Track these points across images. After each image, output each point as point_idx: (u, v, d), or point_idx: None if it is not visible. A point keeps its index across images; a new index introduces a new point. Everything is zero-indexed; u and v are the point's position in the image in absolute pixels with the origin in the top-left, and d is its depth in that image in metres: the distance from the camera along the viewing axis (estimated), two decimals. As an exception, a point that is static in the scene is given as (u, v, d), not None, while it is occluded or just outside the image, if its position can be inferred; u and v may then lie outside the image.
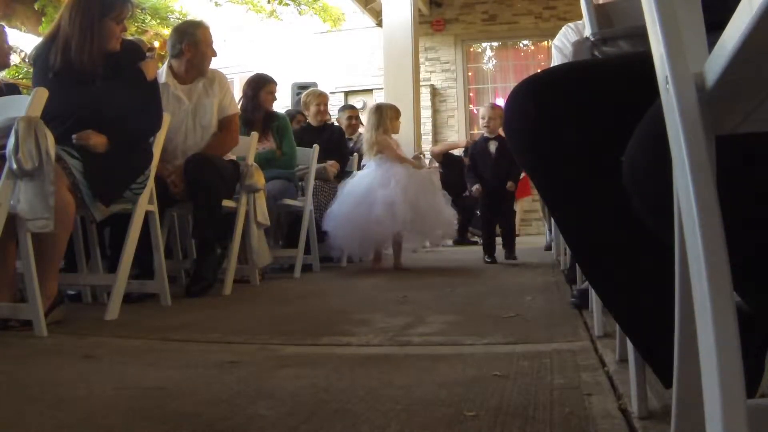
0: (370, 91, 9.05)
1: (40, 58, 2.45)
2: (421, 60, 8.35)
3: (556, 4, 8.61)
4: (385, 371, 1.42)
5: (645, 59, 0.58)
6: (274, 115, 4.05)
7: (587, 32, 1.30)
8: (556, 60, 2.74)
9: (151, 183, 2.49)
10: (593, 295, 1.83)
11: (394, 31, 7.11)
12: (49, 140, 2.02)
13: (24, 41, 6.27)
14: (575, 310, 2.15)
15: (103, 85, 2.42)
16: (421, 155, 4.66)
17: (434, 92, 9.09)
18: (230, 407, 1.15)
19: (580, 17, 1.59)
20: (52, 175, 2.01)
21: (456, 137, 8.75)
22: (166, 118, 2.66)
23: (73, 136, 2.28)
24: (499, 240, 4.52)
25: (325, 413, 1.10)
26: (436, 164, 6.40)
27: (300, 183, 4.19)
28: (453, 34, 9.06)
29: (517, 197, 7.84)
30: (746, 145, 0.59)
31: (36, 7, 5.84)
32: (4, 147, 2.01)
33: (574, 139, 0.82)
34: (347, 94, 9.19)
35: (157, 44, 6.84)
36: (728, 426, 0.43)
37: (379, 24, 8.08)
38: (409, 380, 1.32)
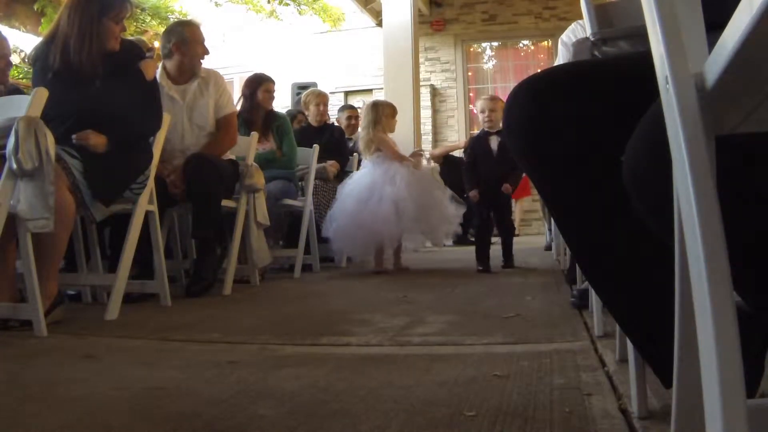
0: (370, 91, 9.04)
1: (39, 58, 2.45)
2: (421, 60, 8.35)
3: (556, 4, 8.61)
4: (385, 371, 1.41)
5: (645, 59, 0.58)
6: (275, 116, 4.05)
7: (587, 32, 1.30)
8: (560, 55, 2.74)
9: (151, 183, 2.49)
10: (593, 295, 1.83)
11: (394, 31, 7.11)
12: (49, 140, 2.02)
13: (24, 41, 6.28)
14: (575, 310, 2.15)
15: (102, 85, 2.42)
16: (421, 152, 4.45)
17: (434, 92, 9.08)
18: (230, 407, 1.15)
19: (580, 17, 1.58)
20: (52, 175, 2.01)
21: (456, 137, 8.75)
22: (166, 118, 2.66)
23: (73, 136, 2.28)
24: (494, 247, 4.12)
25: (325, 413, 1.10)
26: (434, 164, 6.37)
27: (300, 183, 4.19)
28: (453, 34, 9.06)
29: (517, 197, 7.87)
30: (746, 145, 0.59)
31: (36, 8, 5.84)
32: (4, 147, 2.01)
33: (574, 139, 0.82)
34: (347, 94, 9.19)
35: (157, 44, 6.84)
36: (728, 426, 0.43)
37: (379, 24, 8.07)
38: (408, 380, 1.32)
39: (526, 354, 1.55)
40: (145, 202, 2.46)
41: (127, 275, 2.37)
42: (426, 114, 8.68)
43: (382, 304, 2.51)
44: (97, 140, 2.32)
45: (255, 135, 3.34)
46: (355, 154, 4.88)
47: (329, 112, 5.03)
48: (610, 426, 1.00)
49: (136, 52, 2.60)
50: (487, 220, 3.90)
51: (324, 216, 3.93)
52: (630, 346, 1.02)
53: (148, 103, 2.53)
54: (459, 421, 1.04)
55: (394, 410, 1.11)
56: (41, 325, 1.92)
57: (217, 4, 7.83)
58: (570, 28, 2.82)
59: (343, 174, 4.48)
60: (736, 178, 0.58)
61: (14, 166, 1.94)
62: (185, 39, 3.12)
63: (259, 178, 3.17)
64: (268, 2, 7.98)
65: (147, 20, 7.06)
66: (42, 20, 5.88)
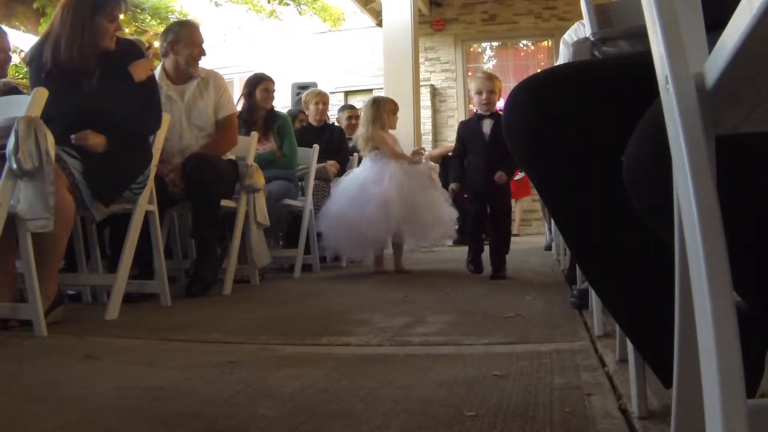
0: (370, 91, 9.03)
1: (34, 59, 2.45)
2: (421, 60, 8.35)
3: (556, 3, 8.61)
4: (385, 371, 1.42)
5: (645, 59, 0.58)
6: (276, 116, 4.05)
7: (588, 32, 1.30)
8: (562, 55, 2.75)
9: (150, 183, 2.49)
10: (593, 295, 1.83)
11: (394, 31, 7.11)
12: (49, 140, 2.02)
13: (24, 41, 6.27)
14: (575, 310, 2.15)
15: (99, 84, 2.42)
16: (422, 150, 4.20)
17: (434, 92, 9.08)
18: (230, 407, 1.15)
19: (580, 17, 1.59)
20: (52, 175, 2.01)
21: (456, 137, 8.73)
22: (166, 118, 2.66)
23: (72, 136, 2.28)
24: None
25: (325, 413, 1.10)
26: (433, 164, 6.34)
27: (300, 183, 4.19)
28: (453, 34, 9.06)
29: (518, 197, 7.87)
30: (746, 145, 0.59)
31: (35, 7, 5.84)
32: (4, 147, 2.01)
33: (574, 139, 0.82)
34: (347, 94, 9.19)
35: (156, 44, 6.84)
36: (728, 426, 0.43)
37: (379, 24, 8.08)
38: (408, 380, 1.32)
39: (526, 354, 1.55)
40: (145, 202, 2.46)
41: (127, 275, 2.37)
42: (426, 114, 8.68)
43: (382, 304, 2.51)
44: (96, 140, 2.32)
45: (255, 135, 3.34)
46: (355, 153, 4.88)
47: (329, 112, 5.03)
48: (610, 426, 1.00)
49: (135, 51, 2.59)
50: (480, 214, 3.48)
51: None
52: (630, 346, 1.02)
53: (146, 102, 2.52)
54: (459, 421, 1.04)
55: (394, 410, 1.11)
56: (41, 325, 1.92)
57: (217, 4, 7.82)
58: (572, 27, 2.83)
59: (343, 174, 4.48)
60: (736, 178, 0.58)
61: (14, 166, 1.94)
62: (180, 38, 3.13)
63: (258, 178, 3.17)
64: (268, 2, 7.98)
65: (147, 20, 7.06)
66: (42, 20, 5.88)
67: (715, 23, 0.50)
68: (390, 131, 3.85)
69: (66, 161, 2.21)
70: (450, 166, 3.55)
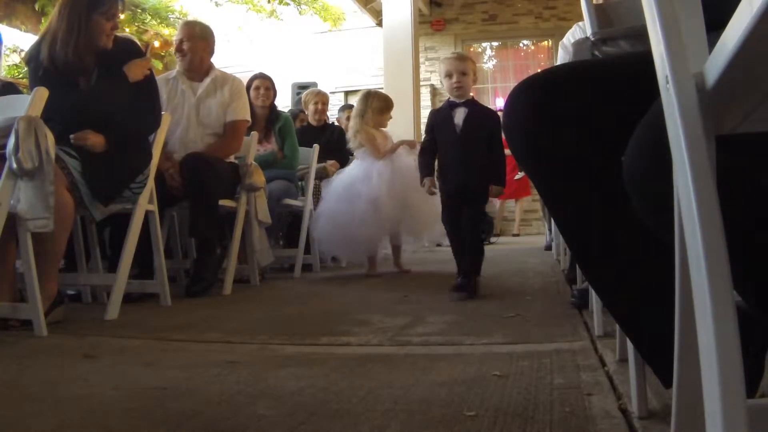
0: (370, 91, 9.03)
1: (33, 58, 2.45)
2: (421, 60, 8.35)
3: (556, 3, 8.61)
4: (385, 371, 1.42)
5: (645, 59, 0.58)
6: (278, 116, 4.05)
7: (588, 33, 1.30)
8: (560, 58, 2.75)
9: (150, 183, 2.49)
10: (593, 295, 1.83)
11: (394, 31, 7.11)
12: (49, 140, 2.02)
13: (24, 40, 6.27)
14: (575, 310, 2.15)
15: (97, 83, 2.42)
16: (414, 142, 3.86)
17: (434, 92, 9.08)
18: (230, 407, 1.15)
19: (580, 17, 1.59)
20: (52, 174, 2.01)
21: (456, 137, 8.73)
22: (166, 118, 2.66)
23: (71, 136, 2.28)
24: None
25: (325, 413, 1.10)
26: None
27: (300, 183, 4.19)
28: (453, 34, 9.06)
29: (518, 197, 7.88)
30: (746, 145, 0.59)
31: (36, 8, 5.84)
32: (4, 147, 2.01)
33: (574, 139, 0.82)
34: (347, 94, 9.18)
35: (157, 44, 6.84)
36: (728, 426, 0.43)
37: (379, 24, 8.08)
38: (408, 380, 1.32)
39: (526, 354, 1.55)
40: (145, 202, 2.46)
41: (127, 275, 2.37)
42: (426, 114, 8.67)
43: (382, 304, 2.51)
44: (95, 140, 2.32)
45: (255, 135, 3.34)
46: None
47: (329, 112, 5.03)
48: (610, 426, 1.00)
49: (134, 50, 2.59)
50: (456, 221, 2.83)
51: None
52: (630, 346, 1.02)
53: (146, 102, 2.52)
54: (459, 421, 1.04)
55: (394, 410, 1.11)
56: (41, 325, 1.92)
57: (217, 4, 7.82)
58: (570, 30, 2.83)
59: (342, 174, 4.48)
60: (736, 178, 0.58)
61: (14, 165, 1.94)
62: (187, 37, 3.22)
63: (259, 177, 3.17)
64: (269, 2, 7.98)
65: (147, 20, 7.05)
66: (42, 19, 5.88)
67: (715, 23, 0.50)
68: (382, 129, 3.70)
69: (65, 161, 2.21)
70: (419, 163, 2.99)
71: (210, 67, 3.27)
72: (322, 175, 4.32)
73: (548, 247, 5.27)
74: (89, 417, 1.11)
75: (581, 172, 0.83)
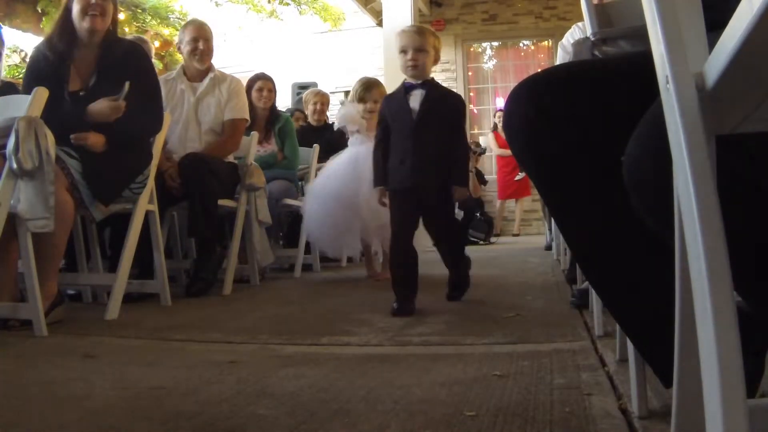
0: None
1: (34, 62, 2.49)
2: (421, 60, 8.33)
3: (556, 3, 8.60)
4: (385, 371, 1.42)
5: (645, 59, 0.58)
6: (278, 116, 4.05)
7: (588, 33, 1.30)
8: (560, 58, 2.75)
9: (150, 183, 2.49)
10: (593, 295, 1.83)
11: (394, 31, 7.08)
12: (49, 140, 2.02)
13: (24, 41, 6.27)
14: (575, 310, 2.15)
15: (96, 84, 2.42)
16: None
17: (434, 92, 9.06)
18: (230, 407, 1.15)
19: (580, 17, 1.59)
20: (52, 175, 2.01)
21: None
22: (167, 118, 2.66)
23: (72, 137, 2.28)
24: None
25: (325, 413, 1.10)
26: None
27: (300, 183, 4.19)
28: (453, 33, 9.05)
29: (518, 197, 7.88)
30: (746, 145, 0.59)
31: (38, 9, 5.84)
32: (4, 147, 2.01)
33: (574, 139, 0.82)
34: (347, 94, 9.17)
35: (157, 44, 6.84)
36: (728, 426, 0.43)
37: (379, 24, 8.08)
38: (408, 380, 1.32)
39: (526, 354, 1.55)
40: (145, 202, 2.46)
41: (127, 275, 2.37)
42: (426, 114, 8.66)
43: (382, 304, 2.51)
44: (95, 140, 2.32)
45: (255, 135, 3.34)
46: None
47: (329, 112, 5.03)
48: (610, 426, 0.99)
49: (137, 53, 2.59)
50: (406, 224, 2.36)
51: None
52: (630, 346, 1.02)
53: (147, 103, 2.52)
54: (459, 421, 1.04)
55: (394, 410, 1.11)
56: (41, 325, 1.92)
57: (217, 4, 7.82)
58: (569, 31, 2.83)
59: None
60: (736, 178, 0.58)
61: (14, 166, 1.94)
62: (180, 38, 3.28)
63: (259, 177, 3.17)
64: (269, 2, 7.98)
65: (147, 20, 7.05)
66: (43, 19, 5.88)
67: (715, 23, 0.50)
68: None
69: (65, 161, 2.21)
70: (373, 164, 2.49)
71: (210, 67, 3.28)
72: (323, 175, 4.32)
73: (548, 247, 5.28)
74: (89, 417, 1.11)
75: (581, 172, 0.83)
